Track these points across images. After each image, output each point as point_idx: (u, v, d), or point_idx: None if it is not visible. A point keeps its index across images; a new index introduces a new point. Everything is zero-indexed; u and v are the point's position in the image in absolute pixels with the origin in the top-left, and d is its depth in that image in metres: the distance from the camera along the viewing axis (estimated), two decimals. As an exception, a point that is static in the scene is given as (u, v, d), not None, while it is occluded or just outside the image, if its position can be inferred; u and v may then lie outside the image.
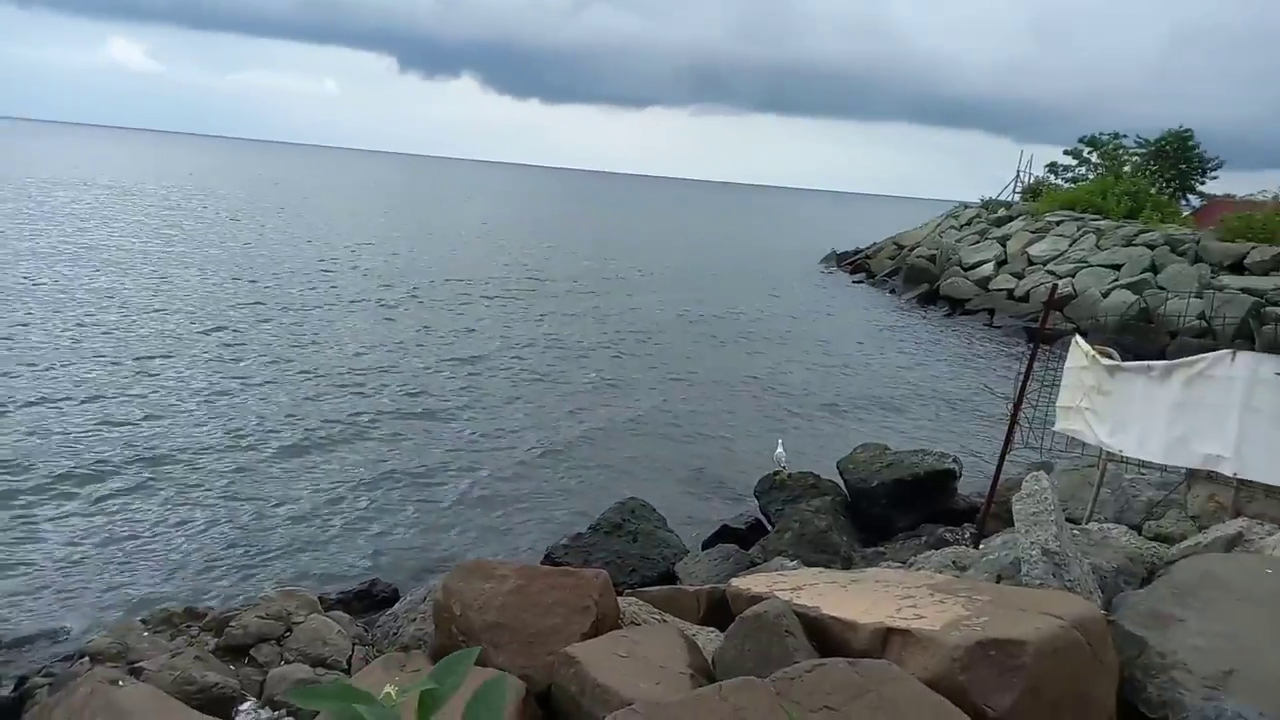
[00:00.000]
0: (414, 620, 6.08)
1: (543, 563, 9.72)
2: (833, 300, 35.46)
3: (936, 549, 8.21)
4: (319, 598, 6.97)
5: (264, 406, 14.65)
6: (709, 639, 4.89)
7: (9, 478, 10.83)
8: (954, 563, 6.82)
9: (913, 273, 36.58)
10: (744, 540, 10.41)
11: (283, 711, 5.10)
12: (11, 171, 67.59)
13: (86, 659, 5.85)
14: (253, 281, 26.81)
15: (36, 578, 8.67)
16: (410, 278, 30.42)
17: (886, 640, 4.01)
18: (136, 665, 5.71)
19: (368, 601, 8.84)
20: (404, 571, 9.65)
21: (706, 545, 10.49)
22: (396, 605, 6.74)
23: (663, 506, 10.94)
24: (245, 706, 5.59)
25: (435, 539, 10.52)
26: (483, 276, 32.46)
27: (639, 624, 5.06)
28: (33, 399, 13.85)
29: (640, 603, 5.40)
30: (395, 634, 6.19)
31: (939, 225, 41.99)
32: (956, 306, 32.06)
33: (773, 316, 29.85)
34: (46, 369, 15.54)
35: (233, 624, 6.17)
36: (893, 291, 36.90)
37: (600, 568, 5.71)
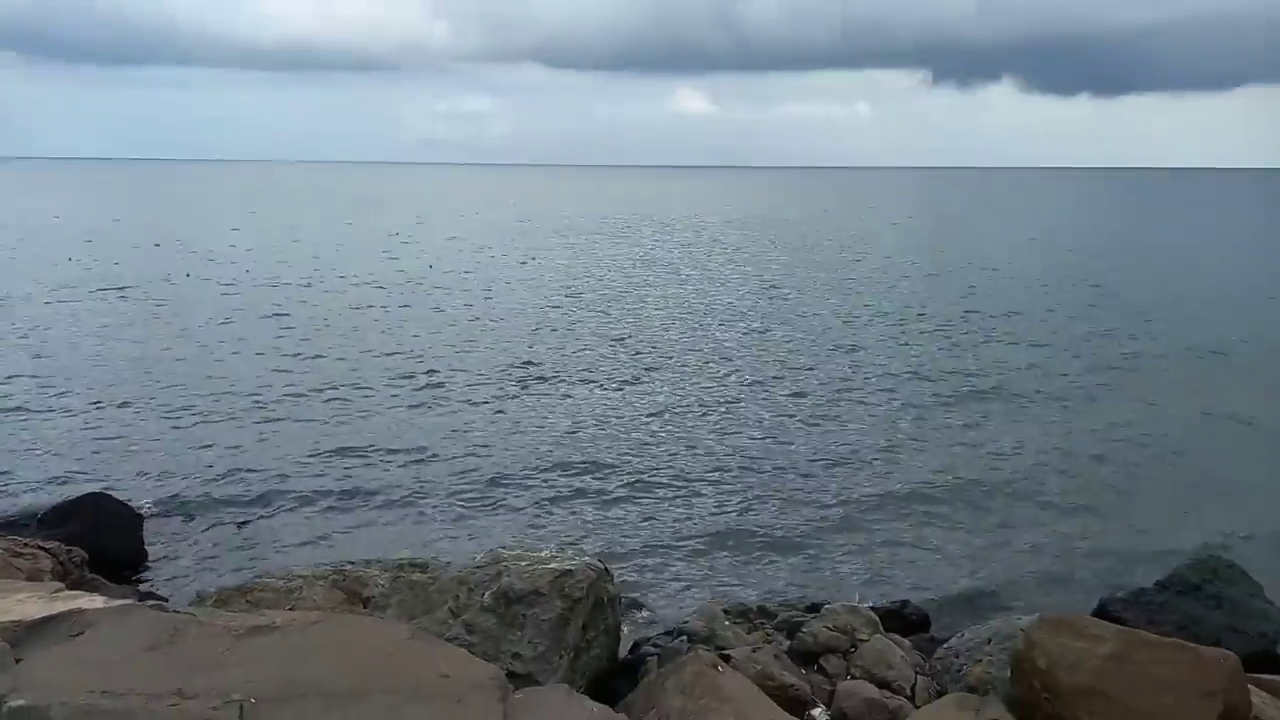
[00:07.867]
0: (979, 661, 5.95)
1: (1094, 615, 8.85)
2: None
3: None
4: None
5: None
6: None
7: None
8: None
9: None
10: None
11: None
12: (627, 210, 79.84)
13: (685, 638, 6.76)
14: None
15: (646, 551, 10.30)
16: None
17: None
18: (723, 651, 6.43)
19: (899, 622, 8.85)
20: (938, 601, 9.53)
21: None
22: (954, 640, 6.65)
23: (1257, 570, 9.25)
24: (816, 712, 5.98)
25: (979, 572, 10.21)
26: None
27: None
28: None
29: (1267, 696, 4.60)
30: (957, 671, 6.12)
31: None
32: None
33: None
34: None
35: (803, 630, 6.65)
36: None
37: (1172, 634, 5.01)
